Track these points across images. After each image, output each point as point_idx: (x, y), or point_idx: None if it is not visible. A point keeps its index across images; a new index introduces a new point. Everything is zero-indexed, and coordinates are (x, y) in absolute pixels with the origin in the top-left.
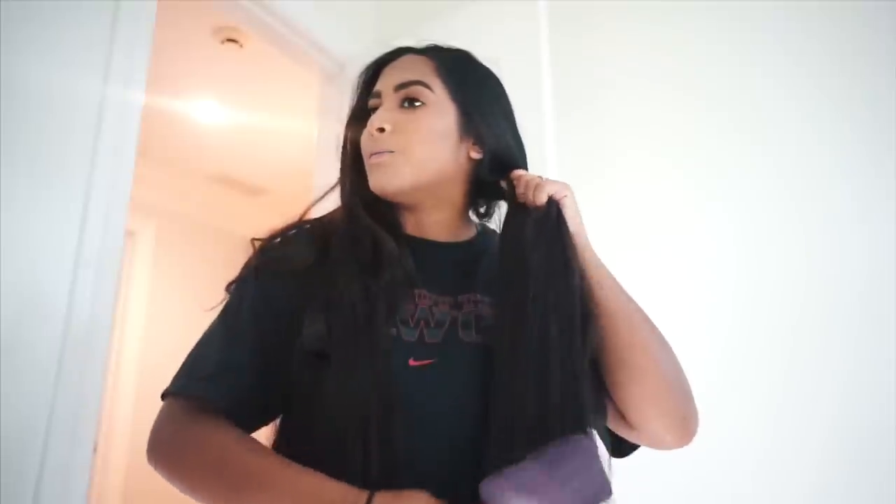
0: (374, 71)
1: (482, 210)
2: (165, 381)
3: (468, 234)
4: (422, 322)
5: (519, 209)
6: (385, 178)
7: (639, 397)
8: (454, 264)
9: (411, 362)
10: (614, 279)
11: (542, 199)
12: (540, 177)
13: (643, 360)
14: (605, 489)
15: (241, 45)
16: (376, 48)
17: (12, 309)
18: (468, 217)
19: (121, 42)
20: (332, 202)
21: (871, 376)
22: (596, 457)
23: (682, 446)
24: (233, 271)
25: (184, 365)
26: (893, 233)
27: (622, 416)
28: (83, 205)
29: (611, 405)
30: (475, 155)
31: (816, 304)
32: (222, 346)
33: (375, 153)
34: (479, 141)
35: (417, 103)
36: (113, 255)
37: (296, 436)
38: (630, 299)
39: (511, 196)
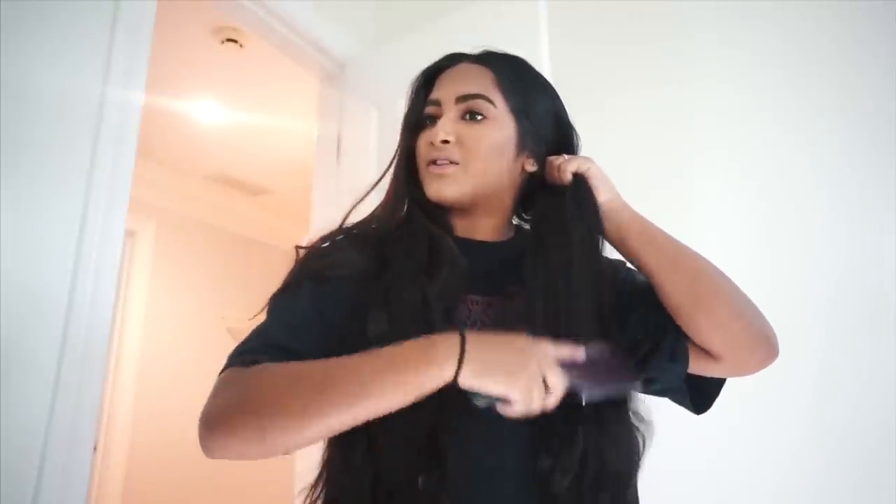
0: (429, 77)
1: (525, 215)
2: (165, 380)
3: (510, 233)
4: (478, 322)
5: (548, 191)
6: (445, 188)
7: (720, 322)
8: (501, 262)
9: None
10: (659, 228)
11: (567, 177)
12: (563, 156)
13: (714, 286)
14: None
15: (241, 45)
16: (376, 48)
17: (12, 309)
18: (512, 219)
19: (121, 42)
20: (331, 203)
21: (846, 374)
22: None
23: (767, 366)
24: (232, 271)
25: (234, 349)
26: (868, 235)
27: (704, 352)
28: (83, 205)
29: (691, 346)
30: (529, 168)
31: (788, 303)
32: (277, 331)
33: (437, 163)
34: (533, 155)
35: (479, 117)
36: (113, 255)
37: (351, 434)
38: (679, 241)
39: (542, 181)
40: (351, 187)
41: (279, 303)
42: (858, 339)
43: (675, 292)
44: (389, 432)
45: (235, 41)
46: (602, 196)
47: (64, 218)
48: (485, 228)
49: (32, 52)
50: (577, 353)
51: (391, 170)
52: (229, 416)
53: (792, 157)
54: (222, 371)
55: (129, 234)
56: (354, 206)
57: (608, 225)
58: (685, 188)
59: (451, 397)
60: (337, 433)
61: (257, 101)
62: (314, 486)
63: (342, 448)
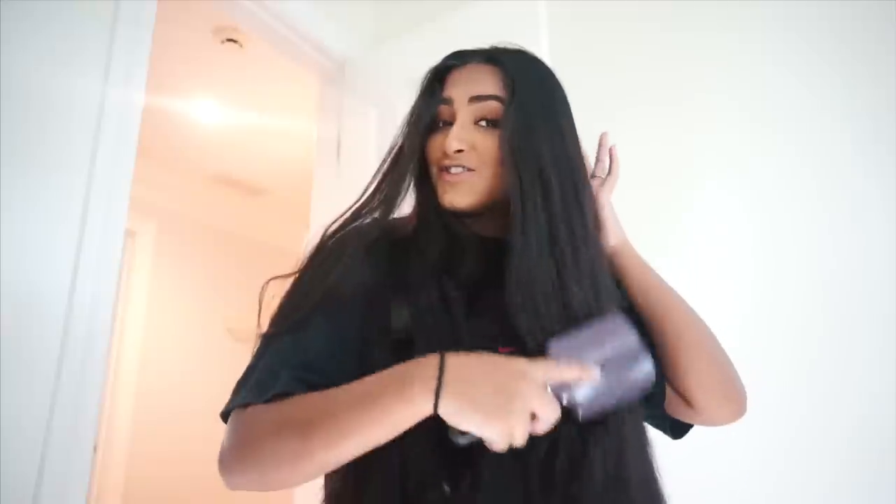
0: (439, 76)
1: None
2: (165, 380)
3: None
4: (496, 310)
5: None
6: (459, 197)
7: (699, 371)
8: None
9: (500, 349)
10: (658, 276)
11: None
12: None
13: (699, 339)
14: (641, 353)
15: (241, 45)
16: (376, 48)
17: (12, 309)
18: None
19: (121, 42)
20: (331, 203)
21: (845, 375)
22: (628, 330)
23: (733, 421)
24: (232, 271)
25: (251, 388)
26: (868, 237)
27: (683, 400)
28: (83, 205)
29: (671, 393)
30: None
31: (838, 300)
32: (294, 369)
33: (452, 171)
34: None
35: (493, 122)
36: (113, 255)
37: None
38: (674, 291)
39: None
40: (351, 187)
41: (288, 340)
42: (858, 339)
43: (663, 337)
44: (417, 431)
45: (235, 41)
46: (611, 240)
47: (64, 218)
48: (494, 227)
49: (32, 52)
50: (587, 373)
51: (386, 166)
52: (234, 459)
53: (793, 159)
54: (236, 404)
55: (129, 234)
56: (359, 220)
57: (611, 269)
58: (685, 187)
59: None
60: (337, 466)
61: (257, 101)
62: (331, 479)
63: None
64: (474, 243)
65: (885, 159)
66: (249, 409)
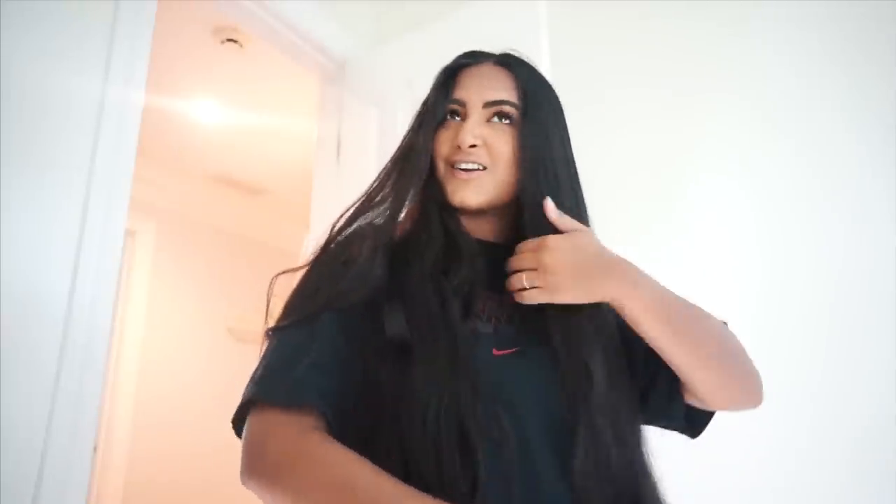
0: (451, 75)
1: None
2: (165, 380)
3: (513, 235)
4: (493, 318)
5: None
6: (471, 195)
7: (716, 384)
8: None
9: (495, 352)
10: (671, 293)
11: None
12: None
13: (714, 353)
14: None
15: (241, 45)
16: (376, 48)
17: (12, 309)
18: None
19: (121, 42)
20: (331, 203)
21: (846, 375)
22: None
23: (755, 407)
24: (232, 271)
25: (262, 373)
26: (869, 237)
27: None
28: (83, 205)
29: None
30: None
31: (841, 296)
32: (308, 370)
33: (465, 168)
34: None
35: (506, 120)
36: (113, 255)
37: (375, 435)
38: (689, 306)
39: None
40: (351, 187)
41: (297, 332)
42: (862, 335)
43: (674, 357)
44: (418, 433)
45: (235, 41)
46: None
47: (64, 218)
48: (491, 230)
49: (32, 52)
50: None
51: (396, 160)
52: (272, 479)
53: (796, 155)
54: (254, 398)
55: (129, 234)
56: (362, 217)
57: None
58: (685, 188)
59: (479, 392)
60: None
61: (257, 101)
62: None
63: (369, 449)
64: (473, 246)
65: (889, 158)
66: (267, 415)
